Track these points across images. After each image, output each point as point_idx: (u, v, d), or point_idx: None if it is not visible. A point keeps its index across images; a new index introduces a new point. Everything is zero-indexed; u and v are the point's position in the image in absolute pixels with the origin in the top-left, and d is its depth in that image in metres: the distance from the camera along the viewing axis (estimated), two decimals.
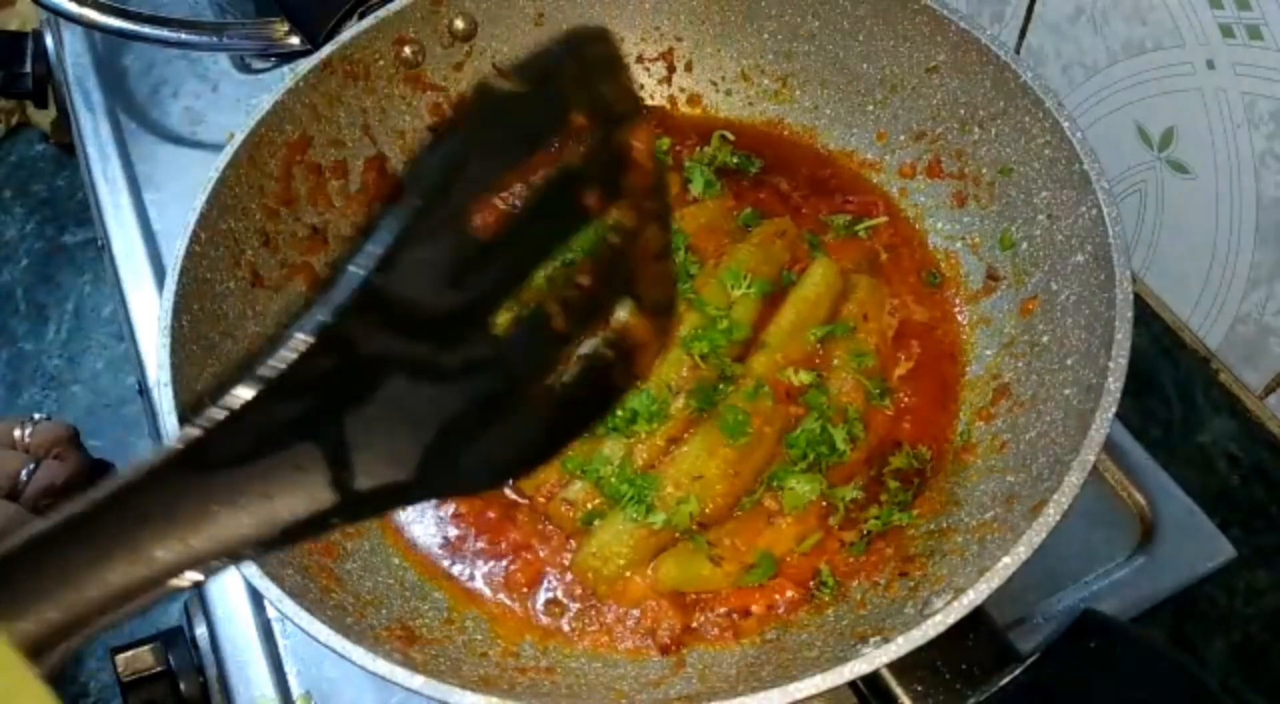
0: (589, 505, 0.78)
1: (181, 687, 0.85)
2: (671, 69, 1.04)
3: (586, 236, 0.44)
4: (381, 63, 0.93)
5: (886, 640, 0.57)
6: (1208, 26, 0.81)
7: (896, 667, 0.62)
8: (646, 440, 0.80)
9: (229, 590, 0.86)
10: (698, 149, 1.01)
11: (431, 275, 0.39)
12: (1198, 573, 0.85)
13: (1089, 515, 0.87)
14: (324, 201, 0.91)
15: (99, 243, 1.18)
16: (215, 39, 1.10)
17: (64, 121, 1.52)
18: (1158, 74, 0.88)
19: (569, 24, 1.01)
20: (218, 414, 0.36)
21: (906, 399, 0.84)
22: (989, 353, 0.85)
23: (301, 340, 0.37)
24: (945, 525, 0.74)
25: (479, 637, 0.74)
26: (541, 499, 0.80)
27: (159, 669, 0.84)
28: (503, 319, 0.42)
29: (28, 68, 1.47)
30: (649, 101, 1.04)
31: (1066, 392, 0.72)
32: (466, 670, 0.68)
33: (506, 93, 0.40)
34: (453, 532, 0.80)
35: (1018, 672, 0.62)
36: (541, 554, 0.79)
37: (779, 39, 0.99)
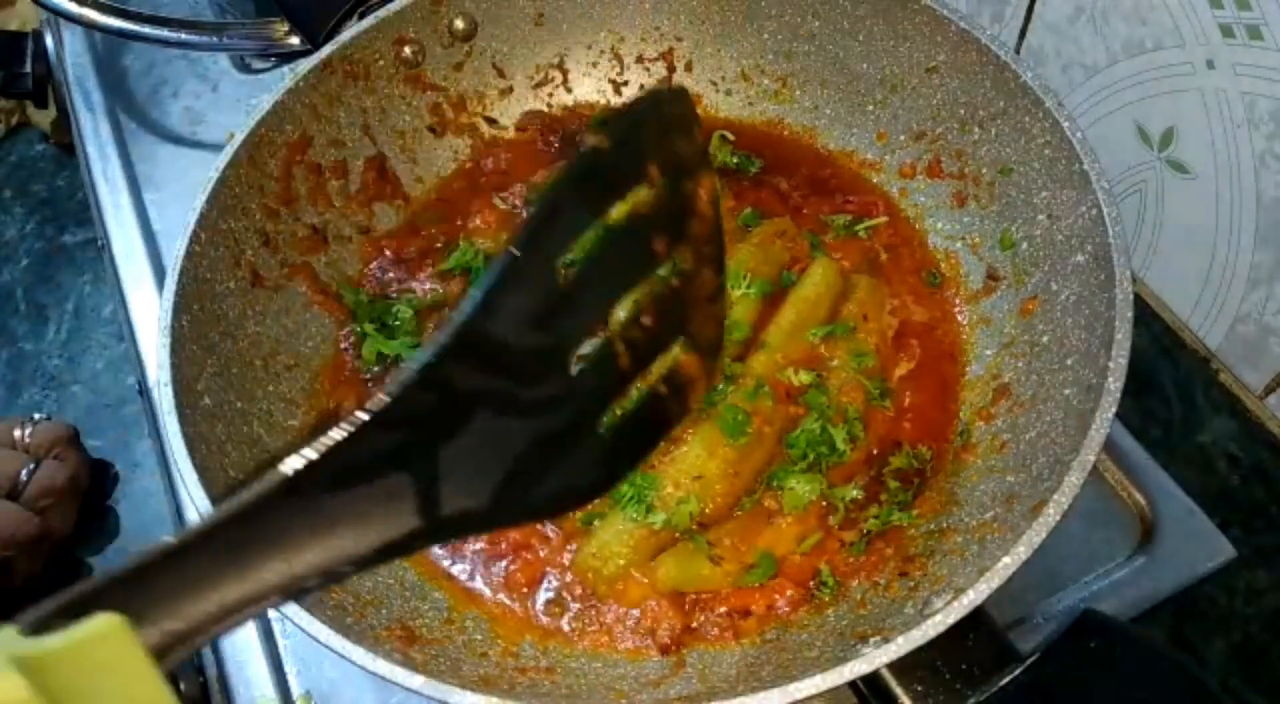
0: (589, 505, 0.78)
1: (181, 687, 0.85)
2: (671, 69, 1.04)
3: (651, 280, 0.48)
4: (381, 63, 0.94)
5: (886, 640, 0.57)
6: (1208, 26, 0.81)
7: (896, 667, 0.62)
8: None
9: None
10: None
11: (522, 318, 0.43)
12: (1198, 573, 0.85)
13: (1089, 515, 0.87)
14: (324, 201, 0.91)
15: (99, 243, 1.18)
16: (215, 39, 1.10)
17: (64, 121, 1.51)
18: (1158, 74, 0.88)
19: (569, 24, 1.01)
20: (324, 443, 0.38)
21: (906, 399, 0.84)
22: (989, 353, 0.85)
23: (408, 374, 0.40)
24: (945, 525, 0.74)
25: (479, 637, 0.74)
26: None
27: None
28: (574, 357, 0.45)
29: (28, 68, 1.48)
30: None
31: (1066, 391, 0.72)
32: (466, 670, 0.68)
33: (595, 148, 0.44)
34: None
35: (1018, 672, 0.62)
36: (541, 554, 0.79)
37: (779, 39, 0.99)
